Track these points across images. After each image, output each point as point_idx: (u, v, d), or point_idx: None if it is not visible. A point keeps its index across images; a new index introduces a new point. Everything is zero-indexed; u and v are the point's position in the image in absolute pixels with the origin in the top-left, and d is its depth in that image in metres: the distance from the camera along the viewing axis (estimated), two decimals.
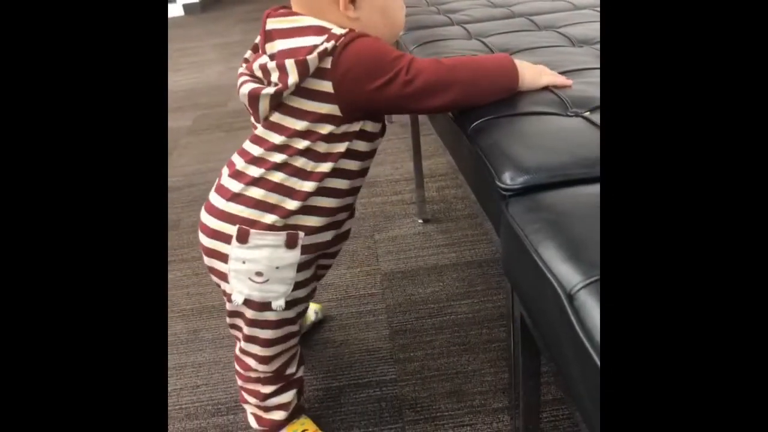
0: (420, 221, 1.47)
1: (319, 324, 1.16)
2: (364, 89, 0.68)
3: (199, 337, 1.17)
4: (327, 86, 0.68)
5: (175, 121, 2.37)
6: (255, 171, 0.72)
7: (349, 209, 0.82)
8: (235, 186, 0.74)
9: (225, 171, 0.76)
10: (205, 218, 0.77)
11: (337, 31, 0.68)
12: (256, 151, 0.73)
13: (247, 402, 0.89)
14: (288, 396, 0.87)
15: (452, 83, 0.70)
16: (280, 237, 0.74)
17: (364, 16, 0.71)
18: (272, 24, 0.71)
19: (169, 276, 1.37)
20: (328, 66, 0.67)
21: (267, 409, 0.87)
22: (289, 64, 0.66)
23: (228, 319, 0.83)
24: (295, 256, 0.75)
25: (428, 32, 1.21)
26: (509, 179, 0.59)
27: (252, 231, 0.73)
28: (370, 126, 0.74)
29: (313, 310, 1.15)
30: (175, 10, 5.03)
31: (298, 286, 0.78)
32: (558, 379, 0.89)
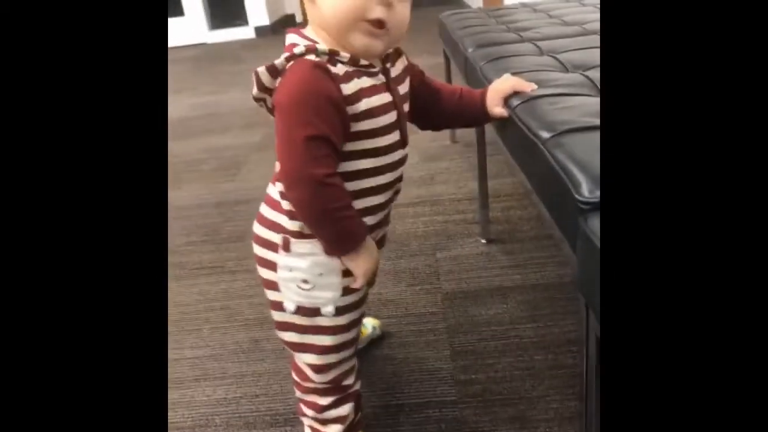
0: (483, 241, 1.44)
1: (378, 340, 1.15)
2: (278, 116, 0.68)
3: (259, 346, 1.17)
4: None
5: (244, 138, 2.45)
6: (276, 177, 0.76)
7: (373, 212, 0.78)
8: (271, 191, 0.77)
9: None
10: (256, 228, 0.79)
11: (299, 49, 0.67)
12: None
13: (304, 414, 0.88)
14: (345, 409, 0.85)
15: (311, 202, 0.68)
16: (316, 244, 0.74)
17: (319, 6, 0.68)
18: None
19: (234, 285, 1.40)
20: (276, 85, 0.68)
21: (324, 422, 0.86)
22: (254, 75, 0.69)
23: (278, 333, 0.83)
24: (335, 262, 0.75)
25: (498, 49, 1.19)
26: (588, 192, 0.56)
27: (292, 239, 0.74)
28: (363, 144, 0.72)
29: (371, 325, 1.14)
30: (247, 33, 5.24)
31: (346, 291, 0.77)
32: None
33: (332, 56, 0.68)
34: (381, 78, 0.73)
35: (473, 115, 0.87)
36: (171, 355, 1.19)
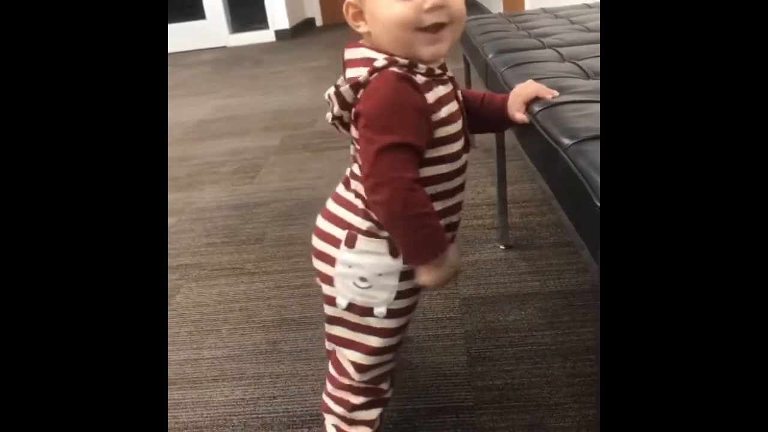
0: (502, 247, 1.43)
1: None
2: (361, 126, 0.68)
3: (277, 348, 1.18)
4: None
5: (263, 141, 2.47)
6: (350, 179, 0.77)
7: (445, 215, 0.78)
8: (344, 192, 0.78)
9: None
10: (319, 221, 0.80)
11: (379, 63, 0.68)
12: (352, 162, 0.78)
13: (330, 412, 0.87)
14: (374, 413, 0.85)
15: (394, 206, 0.67)
16: (384, 244, 0.74)
17: (370, 26, 0.70)
18: (346, 54, 0.73)
19: (252, 287, 1.41)
20: (359, 97, 0.68)
21: (352, 422, 0.85)
22: (332, 93, 0.69)
23: (327, 326, 0.83)
24: (398, 264, 0.75)
25: (519, 55, 1.19)
26: None
27: (359, 236, 0.75)
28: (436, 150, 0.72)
29: None
30: (267, 36, 5.29)
31: (399, 295, 0.77)
32: None
33: (411, 68, 0.69)
34: (450, 86, 0.74)
35: (494, 120, 0.87)
36: (190, 355, 1.20)
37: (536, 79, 0.90)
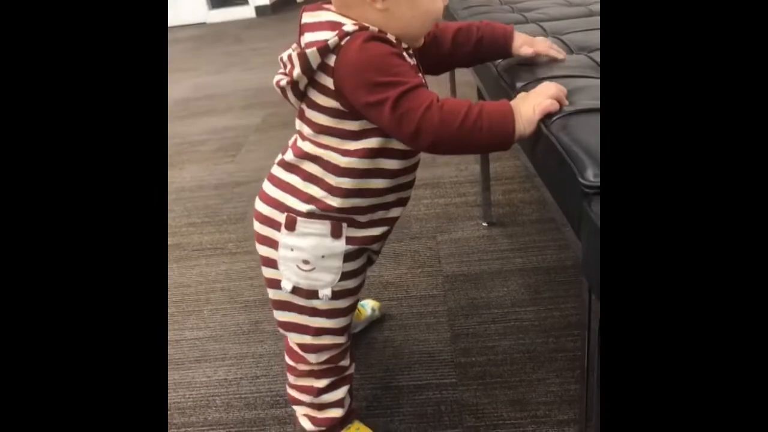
0: (485, 224, 1.43)
1: (377, 322, 1.15)
2: (357, 98, 0.65)
3: (260, 328, 1.18)
4: (330, 83, 0.67)
5: (244, 119, 2.43)
6: (295, 160, 0.74)
7: (396, 205, 0.78)
8: (282, 173, 0.76)
9: (277, 159, 0.78)
10: (258, 205, 0.79)
11: (348, 27, 0.65)
12: (297, 141, 0.75)
13: (298, 402, 0.87)
14: (342, 392, 0.85)
15: (442, 130, 0.64)
16: (325, 226, 0.74)
17: (392, 6, 0.67)
18: (304, 18, 0.71)
19: (234, 267, 1.39)
20: (332, 63, 0.65)
21: (321, 407, 0.86)
22: (294, 56, 0.67)
23: (275, 312, 0.82)
24: (340, 246, 0.75)
25: None
26: (593, 176, 0.55)
27: (299, 219, 0.74)
28: None
29: (370, 306, 1.14)
30: (247, 12, 5.18)
31: (345, 276, 0.77)
32: None
33: (381, 35, 0.67)
34: (413, 60, 0.73)
35: (490, 54, 0.84)
36: (171, 336, 1.19)
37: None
